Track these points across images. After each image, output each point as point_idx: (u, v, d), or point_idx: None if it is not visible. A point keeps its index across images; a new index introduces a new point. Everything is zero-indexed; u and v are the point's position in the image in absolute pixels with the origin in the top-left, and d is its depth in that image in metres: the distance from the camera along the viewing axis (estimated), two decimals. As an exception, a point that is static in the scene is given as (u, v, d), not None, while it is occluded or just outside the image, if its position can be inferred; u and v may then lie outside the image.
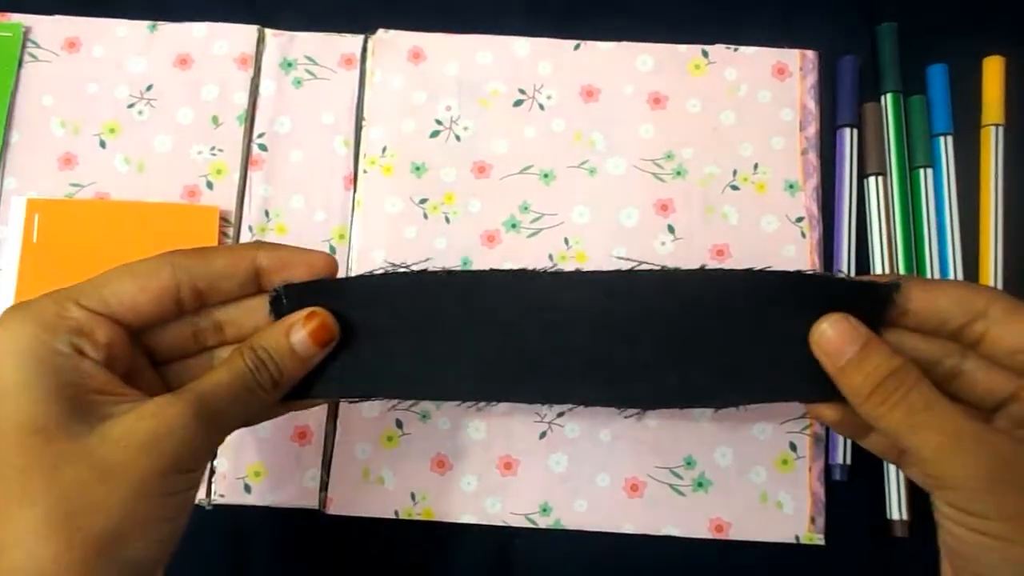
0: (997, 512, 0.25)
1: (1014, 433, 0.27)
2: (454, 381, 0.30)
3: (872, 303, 0.28)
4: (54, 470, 0.24)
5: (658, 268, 0.30)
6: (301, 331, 0.28)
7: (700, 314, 0.29)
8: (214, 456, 0.37)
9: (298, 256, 0.29)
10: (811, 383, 0.28)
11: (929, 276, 0.39)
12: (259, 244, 0.30)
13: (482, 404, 0.31)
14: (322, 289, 0.29)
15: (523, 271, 0.30)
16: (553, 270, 0.30)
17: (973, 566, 0.26)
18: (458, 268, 0.36)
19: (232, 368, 0.27)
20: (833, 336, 0.27)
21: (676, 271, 0.30)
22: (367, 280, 0.30)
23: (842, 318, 0.27)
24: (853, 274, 0.39)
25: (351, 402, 0.37)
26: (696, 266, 0.30)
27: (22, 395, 0.24)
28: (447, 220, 0.40)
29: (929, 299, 0.28)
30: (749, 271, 0.29)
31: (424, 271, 0.30)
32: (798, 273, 0.29)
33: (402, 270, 0.31)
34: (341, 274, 0.35)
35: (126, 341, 0.27)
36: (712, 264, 0.39)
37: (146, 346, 0.29)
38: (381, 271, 0.30)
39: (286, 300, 0.29)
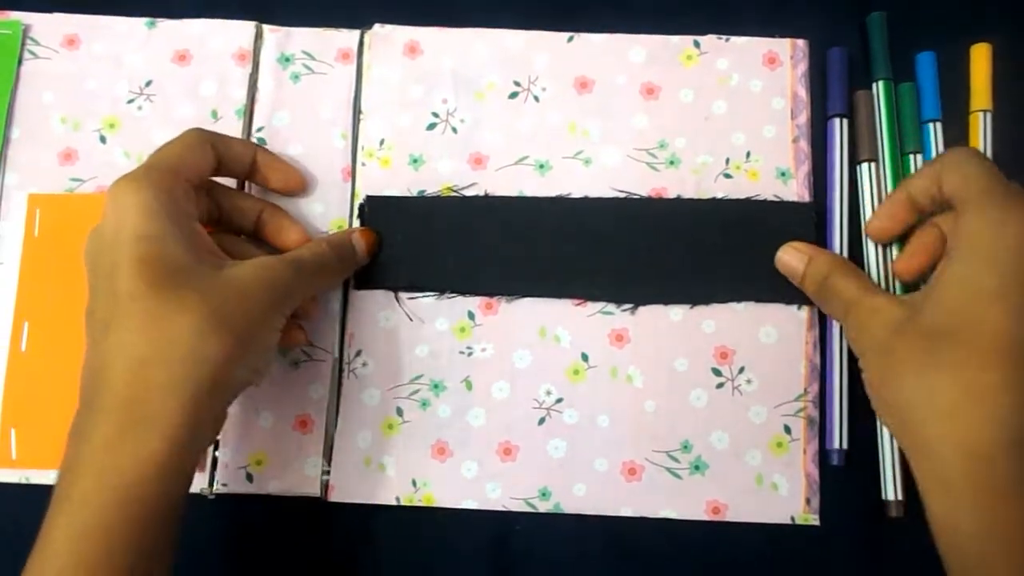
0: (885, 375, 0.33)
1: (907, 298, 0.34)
2: (486, 279, 0.40)
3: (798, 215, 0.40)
4: (204, 292, 0.30)
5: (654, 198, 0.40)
6: (359, 240, 0.38)
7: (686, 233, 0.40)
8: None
9: (278, 165, 0.40)
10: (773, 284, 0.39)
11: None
12: (257, 146, 0.40)
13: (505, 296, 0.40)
14: (390, 204, 0.40)
15: (545, 198, 0.41)
16: (571, 196, 0.40)
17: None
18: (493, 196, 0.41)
19: (317, 249, 0.36)
20: (786, 259, 0.38)
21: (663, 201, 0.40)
22: (422, 200, 0.41)
23: (789, 246, 0.38)
24: (846, 254, 0.40)
25: (410, 297, 0.41)
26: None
27: (162, 242, 0.31)
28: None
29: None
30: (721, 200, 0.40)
31: (466, 196, 0.41)
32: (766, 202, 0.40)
33: (451, 194, 0.41)
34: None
35: (208, 208, 0.37)
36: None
37: None
38: (432, 194, 0.41)
39: (368, 209, 0.40)
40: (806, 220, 0.39)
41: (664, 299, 0.39)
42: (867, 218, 0.40)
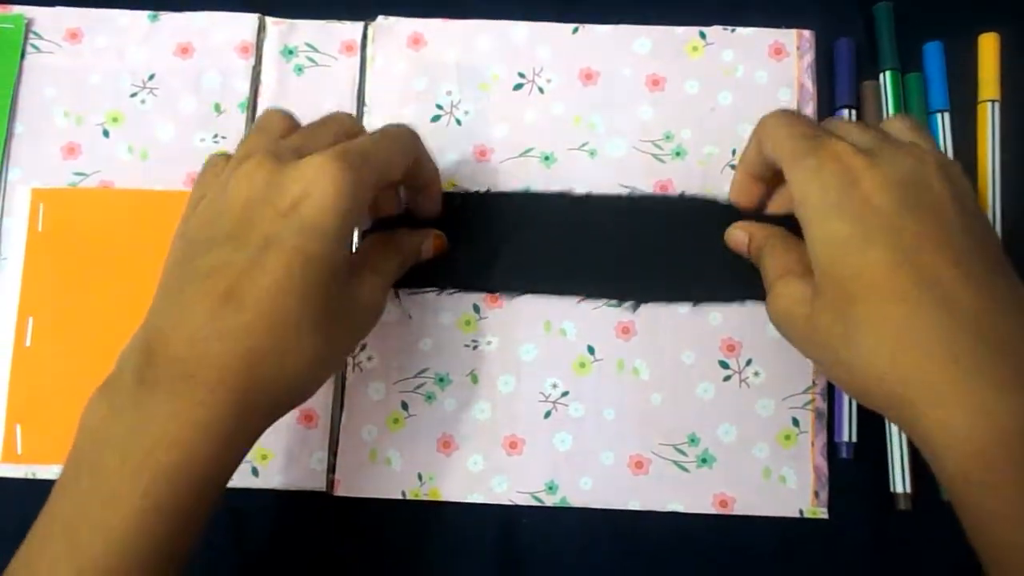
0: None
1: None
2: (489, 275, 0.40)
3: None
4: (335, 313, 0.30)
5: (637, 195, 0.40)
6: (429, 247, 0.38)
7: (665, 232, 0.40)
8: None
9: (437, 196, 0.38)
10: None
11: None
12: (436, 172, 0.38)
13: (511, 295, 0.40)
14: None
15: (548, 194, 0.40)
16: (573, 194, 0.40)
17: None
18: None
19: (395, 259, 0.36)
20: (731, 237, 0.38)
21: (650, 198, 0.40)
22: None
23: (734, 225, 0.38)
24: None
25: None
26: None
27: (333, 245, 0.30)
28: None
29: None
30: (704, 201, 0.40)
31: (467, 192, 0.41)
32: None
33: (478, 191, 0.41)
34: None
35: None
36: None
37: None
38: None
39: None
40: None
41: (667, 298, 0.39)
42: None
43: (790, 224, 0.35)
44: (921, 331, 0.27)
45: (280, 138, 0.33)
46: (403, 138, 0.34)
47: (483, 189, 0.40)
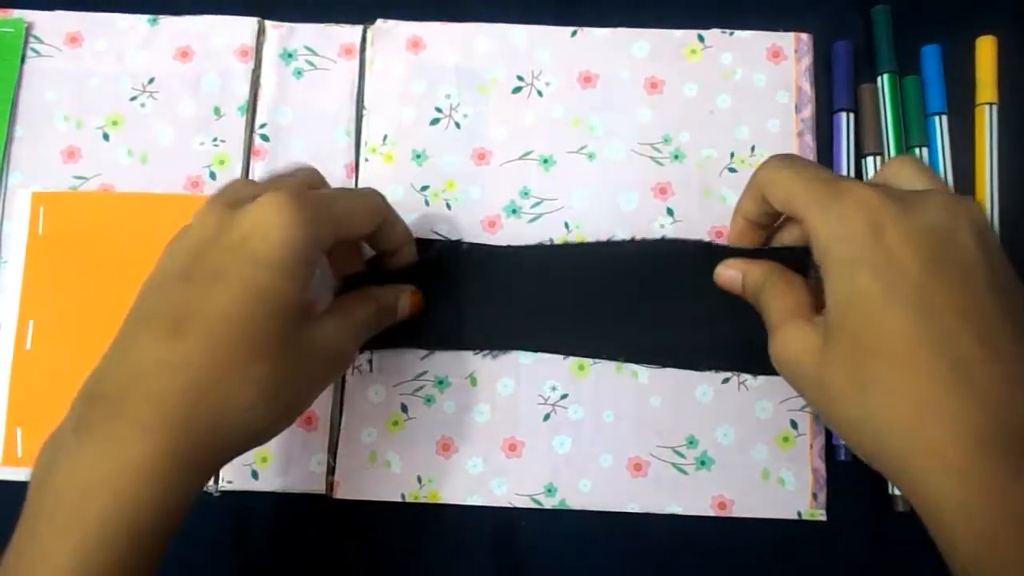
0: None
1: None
2: (475, 334, 0.39)
3: (799, 261, 0.35)
4: (282, 347, 0.29)
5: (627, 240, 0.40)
6: (405, 303, 0.36)
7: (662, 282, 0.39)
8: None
9: (408, 259, 0.37)
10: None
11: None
12: (408, 237, 0.37)
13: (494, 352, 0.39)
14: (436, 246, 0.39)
15: (527, 247, 0.40)
16: (552, 245, 0.40)
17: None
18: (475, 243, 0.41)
19: (368, 308, 0.34)
20: (723, 275, 0.36)
21: (642, 243, 0.39)
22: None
23: (724, 263, 0.36)
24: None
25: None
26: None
27: (284, 279, 0.28)
28: (448, 207, 0.41)
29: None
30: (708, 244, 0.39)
31: (450, 241, 0.40)
32: (752, 250, 0.37)
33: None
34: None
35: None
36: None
37: None
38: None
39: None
40: (802, 264, 0.35)
41: (655, 360, 0.39)
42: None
43: (781, 257, 0.35)
44: (943, 410, 0.26)
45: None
46: (368, 197, 0.34)
47: (459, 237, 0.40)
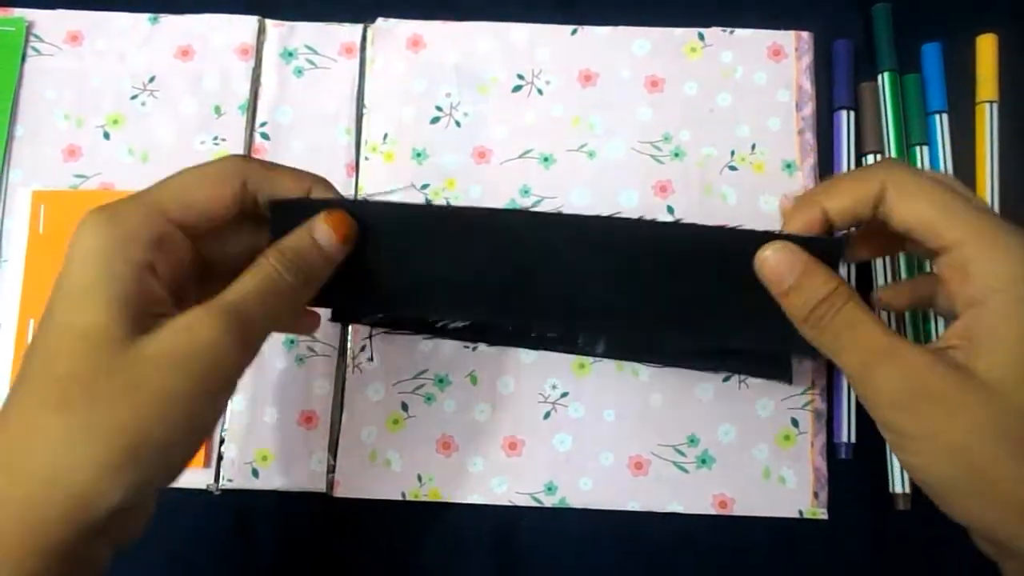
0: (915, 430, 0.25)
1: (933, 346, 0.27)
2: (438, 303, 0.33)
3: (825, 253, 0.29)
4: (92, 382, 0.24)
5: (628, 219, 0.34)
6: (323, 226, 0.29)
7: (668, 264, 0.32)
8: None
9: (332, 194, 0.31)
10: (771, 331, 0.30)
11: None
12: (314, 177, 0.31)
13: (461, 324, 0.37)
14: (319, 208, 0.30)
15: (500, 210, 0.34)
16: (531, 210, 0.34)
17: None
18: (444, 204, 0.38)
19: (259, 272, 0.27)
20: (774, 262, 0.28)
21: (646, 224, 0.33)
22: (366, 205, 0.32)
23: (783, 245, 0.28)
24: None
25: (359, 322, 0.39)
26: None
27: (83, 299, 0.24)
28: (448, 205, 0.41)
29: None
30: (720, 229, 0.31)
31: (422, 205, 0.36)
32: (761, 232, 0.30)
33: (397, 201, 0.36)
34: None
35: (190, 254, 0.28)
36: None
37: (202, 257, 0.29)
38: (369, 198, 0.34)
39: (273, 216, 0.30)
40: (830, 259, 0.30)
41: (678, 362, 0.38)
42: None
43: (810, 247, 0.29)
44: None
45: None
46: (213, 163, 0.29)
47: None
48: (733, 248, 0.30)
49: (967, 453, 0.24)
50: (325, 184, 0.31)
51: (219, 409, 0.27)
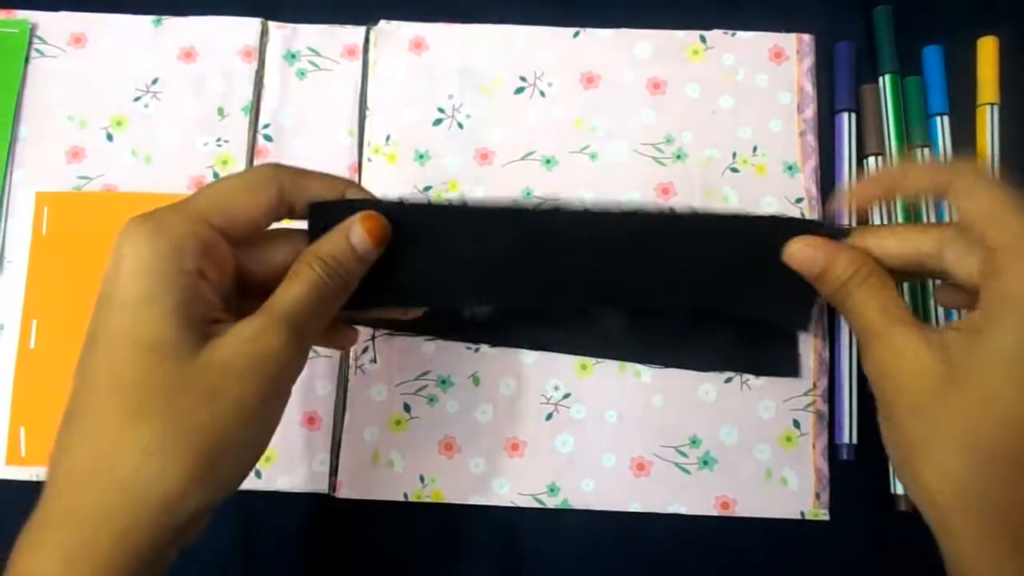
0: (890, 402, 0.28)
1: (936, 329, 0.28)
2: (464, 294, 0.34)
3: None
4: (169, 390, 0.24)
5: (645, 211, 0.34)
6: (359, 230, 0.29)
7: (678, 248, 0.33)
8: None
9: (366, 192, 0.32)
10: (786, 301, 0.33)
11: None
12: (347, 181, 0.31)
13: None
14: (356, 209, 0.31)
15: (522, 206, 0.34)
16: (550, 206, 0.34)
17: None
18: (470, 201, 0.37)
19: (306, 280, 0.28)
20: (802, 257, 0.31)
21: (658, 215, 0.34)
22: (402, 206, 0.32)
23: (810, 237, 0.31)
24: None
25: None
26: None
27: (142, 311, 0.25)
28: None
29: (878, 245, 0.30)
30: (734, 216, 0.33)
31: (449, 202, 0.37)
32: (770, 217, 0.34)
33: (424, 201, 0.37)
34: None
35: (232, 261, 0.28)
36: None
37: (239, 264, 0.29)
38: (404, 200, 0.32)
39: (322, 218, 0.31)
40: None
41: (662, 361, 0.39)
42: (874, 212, 0.40)
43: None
44: None
45: None
46: (250, 171, 0.30)
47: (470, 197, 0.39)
48: (748, 232, 0.33)
49: (937, 424, 0.26)
50: (357, 187, 0.32)
51: (281, 412, 0.28)
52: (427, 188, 0.41)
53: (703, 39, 0.42)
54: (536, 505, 0.38)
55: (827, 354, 0.39)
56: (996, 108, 0.41)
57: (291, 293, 0.27)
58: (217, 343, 0.25)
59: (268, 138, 0.41)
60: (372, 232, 0.30)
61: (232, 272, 0.29)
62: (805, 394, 0.38)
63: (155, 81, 0.42)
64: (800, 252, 0.31)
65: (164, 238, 0.26)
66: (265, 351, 0.26)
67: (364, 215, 0.30)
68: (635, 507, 0.38)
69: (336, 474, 0.38)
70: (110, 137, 0.42)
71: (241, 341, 0.26)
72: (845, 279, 0.30)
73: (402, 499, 0.38)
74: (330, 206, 0.30)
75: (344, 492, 0.38)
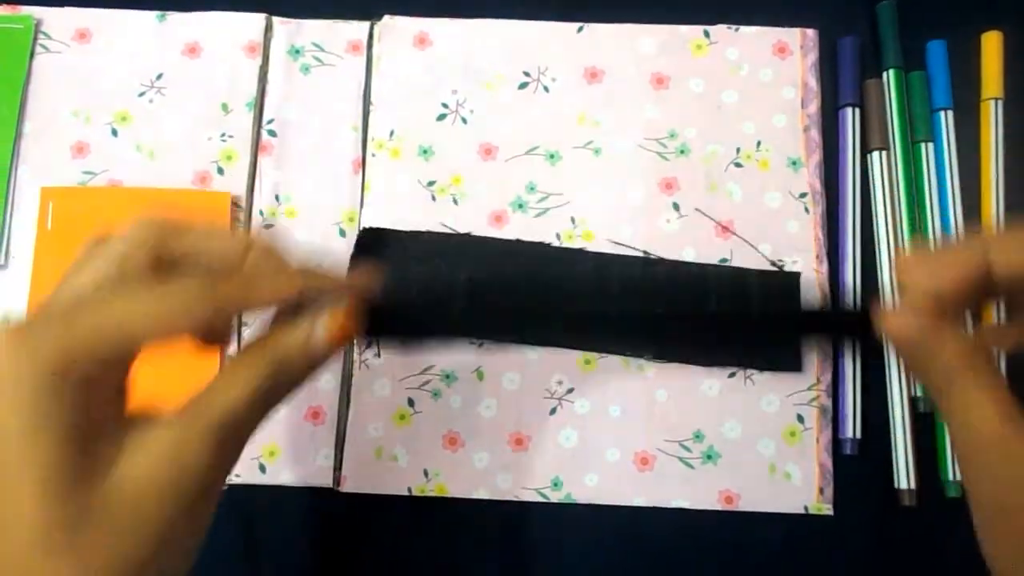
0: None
1: None
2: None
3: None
4: (75, 525, 0.21)
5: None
6: (322, 331, 0.26)
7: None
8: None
9: (338, 283, 0.27)
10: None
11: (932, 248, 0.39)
12: (304, 273, 0.27)
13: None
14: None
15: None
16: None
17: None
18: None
19: (248, 384, 0.24)
20: (903, 330, 0.26)
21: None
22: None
23: (906, 312, 0.26)
24: (859, 249, 0.40)
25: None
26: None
27: (30, 443, 0.21)
28: (455, 202, 0.41)
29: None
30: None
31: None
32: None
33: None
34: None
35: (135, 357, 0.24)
36: (718, 241, 0.40)
37: None
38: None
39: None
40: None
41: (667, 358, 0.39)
42: (878, 207, 0.40)
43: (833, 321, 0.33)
44: None
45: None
46: (165, 299, 0.23)
47: (467, 231, 0.40)
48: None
49: None
50: (313, 276, 0.27)
51: (211, 516, 0.25)
52: (431, 183, 0.41)
53: (707, 34, 0.42)
54: (540, 499, 0.38)
55: (831, 349, 0.39)
56: (1000, 103, 0.41)
57: (228, 397, 0.24)
58: (128, 461, 0.22)
59: (272, 133, 0.41)
60: (336, 334, 0.26)
61: (130, 371, 0.24)
62: (809, 389, 0.38)
63: (159, 76, 0.42)
64: (899, 329, 0.26)
65: (41, 361, 0.21)
66: (186, 470, 0.22)
67: (333, 313, 0.26)
68: (639, 502, 0.38)
69: (340, 468, 0.38)
70: (115, 132, 0.42)
71: (157, 458, 0.22)
72: (949, 367, 0.25)
73: (406, 493, 0.38)
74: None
75: (348, 486, 0.38)
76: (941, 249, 0.27)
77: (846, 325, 0.32)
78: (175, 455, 0.22)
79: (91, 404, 0.22)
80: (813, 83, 0.41)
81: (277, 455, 0.38)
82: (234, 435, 0.24)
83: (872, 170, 0.41)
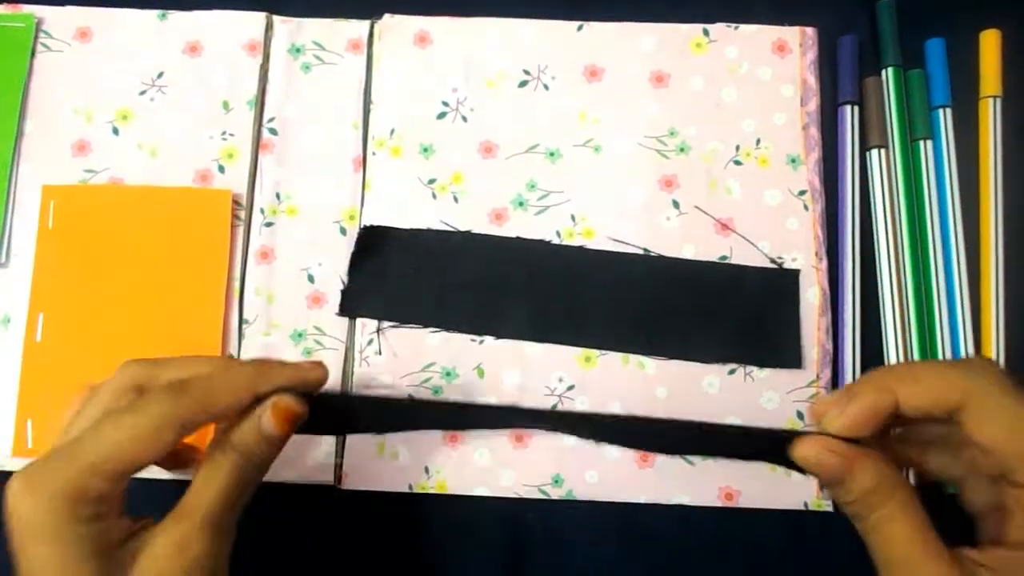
0: None
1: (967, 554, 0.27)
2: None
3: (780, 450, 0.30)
4: None
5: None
6: (269, 418, 0.30)
7: None
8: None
9: (294, 376, 0.31)
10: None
11: (931, 250, 0.40)
12: (257, 373, 0.30)
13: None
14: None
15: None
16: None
17: None
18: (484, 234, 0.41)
19: (225, 471, 0.29)
20: (813, 456, 0.28)
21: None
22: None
23: (820, 445, 0.28)
24: (858, 246, 0.40)
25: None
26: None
27: (60, 566, 0.25)
28: (455, 199, 0.41)
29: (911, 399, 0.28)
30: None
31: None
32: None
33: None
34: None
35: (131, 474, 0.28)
36: (718, 238, 0.40)
37: None
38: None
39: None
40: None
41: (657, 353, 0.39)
42: (877, 204, 0.40)
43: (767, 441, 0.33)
44: None
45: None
46: (144, 420, 0.27)
47: (468, 229, 0.40)
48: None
49: None
50: (266, 377, 0.31)
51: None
52: (431, 181, 0.41)
53: (706, 32, 0.42)
54: (540, 496, 0.38)
55: (830, 345, 0.39)
56: (999, 101, 0.41)
57: (212, 490, 0.29)
58: (142, 564, 0.27)
59: (273, 131, 0.42)
60: (281, 420, 0.30)
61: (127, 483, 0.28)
62: (808, 385, 0.39)
63: (160, 75, 0.42)
64: (810, 456, 0.28)
65: (53, 495, 0.26)
66: (193, 560, 0.27)
67: (276, 404, 0.30)
68: (640, 498, 0.38)
69: (341, 465, 0.39)
70: (116, 131, 0.42)
71: (166, 557, 0.27)
72: (871, 494, 0.28)
73: (407, 490, 0.38)
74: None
75: (349, 483, 0.38)
76: (852, 388, 0.28)
77: (768, 454, 0.34)
78: (179, 551, 0.27)
79: (103, 520, 0.26)
80: (812, 81, 0.42)
81: (278, 452, 0.39)
82: (223, 522, 0.29)
83: (871, 168, 0.41)
